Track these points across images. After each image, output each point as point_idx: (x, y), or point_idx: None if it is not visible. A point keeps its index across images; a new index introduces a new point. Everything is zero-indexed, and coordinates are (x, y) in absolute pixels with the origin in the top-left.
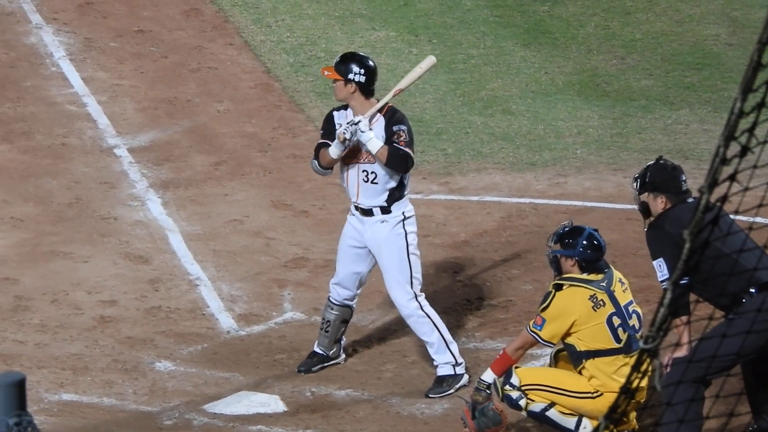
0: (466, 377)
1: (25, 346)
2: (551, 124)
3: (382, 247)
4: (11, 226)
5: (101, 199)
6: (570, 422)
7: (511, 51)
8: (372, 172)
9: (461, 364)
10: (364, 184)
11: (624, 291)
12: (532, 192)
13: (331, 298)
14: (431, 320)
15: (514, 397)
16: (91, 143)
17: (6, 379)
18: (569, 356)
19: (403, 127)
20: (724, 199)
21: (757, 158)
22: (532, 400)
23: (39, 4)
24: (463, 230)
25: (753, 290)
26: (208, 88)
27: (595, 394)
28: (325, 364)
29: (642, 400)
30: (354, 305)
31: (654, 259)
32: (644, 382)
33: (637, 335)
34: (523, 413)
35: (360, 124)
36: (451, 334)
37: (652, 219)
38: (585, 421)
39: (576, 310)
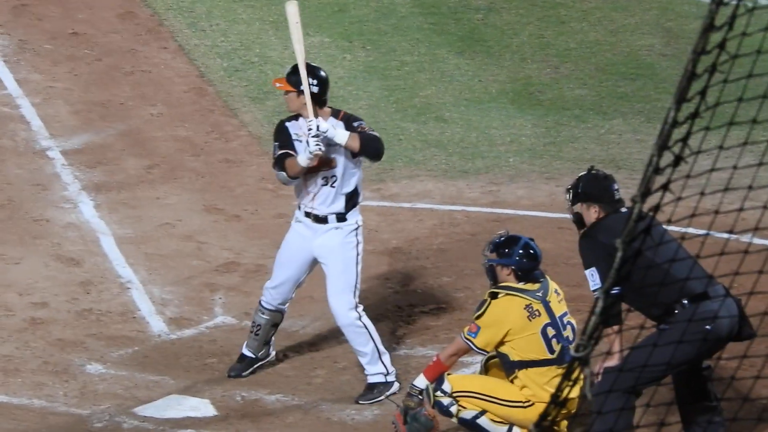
0: (396, 385)
1: None
2: (484, 132)
3: (331, 254)
4: None
5: (33, 201)
6: (501, 430)
7: (445, 58)
8: (332, 176)
9: (392, 373)
10: (323, 189)
11: (559, 302)
12: (465, 200)
13: (263, 302)
14: (368, 331)
15: (446, 404)
16: (24, 145)
17: None
18: (502, 365)
19: (363, 122)
20: (656, 208)
21: (690, 168)
22: (464, 407)
23: None
24: (395, 237)
25: (685, 301)
26: (142, 91)
27: (526, 404)
28: (255, 366)
29: (573, 410)
30: (286, 309)
31: (586, 268)
32: (575, 392)
33: (571, 346)
34: (454, 420)
35: (320, 127)
36: (383, 341)
37: (585, 229)
38: (516, 429)
39: (511, 318)
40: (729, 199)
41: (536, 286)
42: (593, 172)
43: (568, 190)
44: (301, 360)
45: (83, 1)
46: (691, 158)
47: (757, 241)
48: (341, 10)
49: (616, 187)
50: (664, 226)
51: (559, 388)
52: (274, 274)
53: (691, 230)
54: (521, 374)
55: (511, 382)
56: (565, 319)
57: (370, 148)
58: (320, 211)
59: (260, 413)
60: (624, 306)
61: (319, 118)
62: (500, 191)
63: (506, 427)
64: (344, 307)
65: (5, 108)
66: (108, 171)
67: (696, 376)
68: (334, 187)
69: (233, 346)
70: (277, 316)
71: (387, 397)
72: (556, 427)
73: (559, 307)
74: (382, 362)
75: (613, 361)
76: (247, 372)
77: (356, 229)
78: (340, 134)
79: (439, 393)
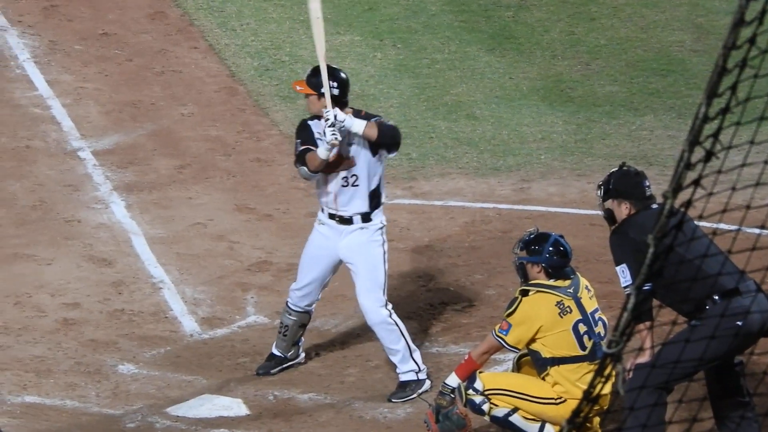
0: (428, 383)
1: None
2: (515, 130)
3: (358, 254)
4: None
5: (65, 202)
6: (533, 428)
7: (476, 56)
8: (353, 175)
9: (423, 370)
10: (344, 189)
11: (590, 298)
12: (496, 197)
13: (289, 304)
14: (399, 328)
15: (478, 402)
16: (55, 146)
17: None
18: (533, 362)
19: (382, 117)
20: (688, 204)
21: (722, 163)
22: (496, 405)
23: (3, 7)
24: (427, 235)
25: (716, 297)
26: (173, 91)
27: (558, 401)
28: (284, 366)
29: (605, 406)
30: (313, 310)
31: (617, 264)
32: (607, 388)
33: (602, 342)
34: (486, 418)
35: (338, 116)
36: (415, 339)
37: (616, 225)
38: (548, 427)
39: (542, 315)
40: (760, 194)
41: (567, 282)
42: (624, 168)
43: (599, 187)
44: (333, 358)
45: (113, 1)
46: (722, 154)
47: None
48: (372, 9)
49: (647, 183)
50: (696, 222)
51: (592, 385)
52: (299, 277)
53: (722, 226)
54: (553, 371)
55: (543, 379)
56: (596, 316)
57: (387, 137)
58: (345, 212)
59: (293, 412)
60: (655, 302)
61: (336, 108)
62: (531, 188)
63: (538, 425)
64: (375, 305)
65: (36, 109)
66: (139, 171)
67: (728, 371)
68: (356, 186)
69: (265, 345)
70: (305, 317)
71: (419, 395)
72: (588, 424)
73: (590, 304)
74: (414, 359)
75: (644, 358)
76: (276, 370)
77: (381, 228)
78: (357, 123)
79: (471, 391)
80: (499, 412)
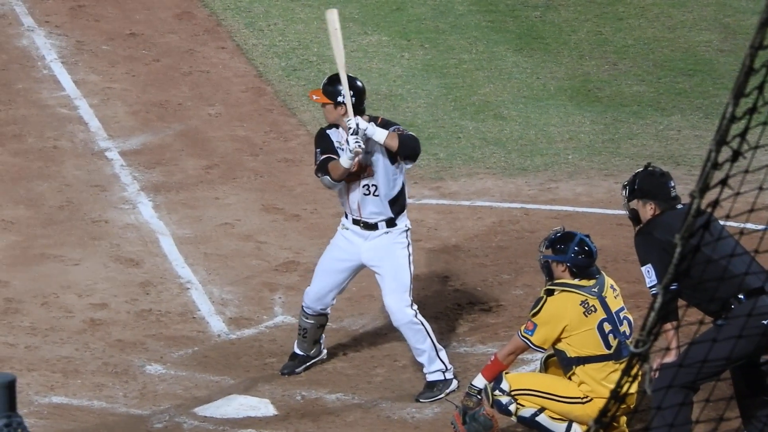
0: (455, 382)
1: (16, 348)
2: (543, 130)
3: (383, 257)
4: (2, 229)
5: (92, 202)
6: (560, 427)
7: (503, 56)
8: (373, 185)
9: (450, 369)
10: (366, 198)
11: (615, 297)
12: (524, 197)
13: (304, 307)
14: (425, 328)
15: (504, 402)
16: (83, 146)
17: None
18: (559, 362)
19: (400, 126)
20: (715, 203)
21: (749, 163)
22: (522, 406)
23: (31, 7)
24: (454, 235)
25: (742, 296)
26: (200, 91)
27: (585, 399)
28: (308, 364)
29: (632, 405)
30: (329, 312)
31: (642, 265)
32: (634, 387)
33: (628, 341)
34: (513, 419)
35: (360, 125)
36: (442, 339)
37: (641, 225)
38: (575, 426)
39: (567, 315)
40: None
41: (592, 282)
42: (650, 168)
43: (624, 187)
44: (361, 358)
45: (141, 1)
46: (749, 153)
47: None
48: (399, 9)
49: (672, 184)
50: (722, 222)
51: (619, 384)
52: (314, 280)
53: (749, 225)
54: (579, 370)
55: (569, 378)
56: (622, 315)
57: (408, 147)
58: (369, 219)
59: (320, 412)
60: (681, 302)
61: (358, 117)
62: (559, 188)
63: (565, 425)
64: (400, 305)
65: (63, 109)
66: (167, 171)
67: (754, 370)
68: (377, 195)
69: (293, 345)
70: (322, 318)
71: (446, 395)
72: (615, 423)
73: (615, 303)
74: (440, 359)
75: (671, 358)
76: (300, 369)
77: (406, 231)
78: (379, 132)
79: (497, 392)
80: (526, 412)
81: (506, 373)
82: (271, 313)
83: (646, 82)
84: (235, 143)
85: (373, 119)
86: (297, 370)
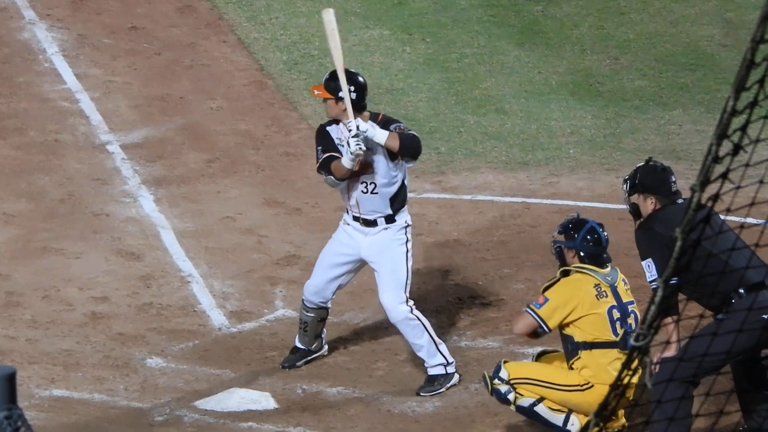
0: (456, 376)
1: (17, 341)
2: (544, 124)
3: (381, 253)
4: (3, 222)
5: (93, 196)
6: (558, 418)
7: (505, 50)
8: (371, 183)
9: (452, 363)
10: (364, 196)
11: (626, 291)
12: (525, 191)
13: (305, 300)
14: (421, 323)
15: (503, 391)
16: (84, 140)
17: None
18: (564, 349)
19: (401, 124)
20: (716, 197)
21: (749, 157)
22: (521, 395)
23: (32, 1)
24: (456, 229)
25: (742, 291)
26: (202, 85)
27: (584, 387)
28: (308, 358)
29: (630, 397)
30: (329, 305)
31: (643, 259)
32: (635, 379)
33: (632, 335)
34: (512, 408)
35: (360, 127)
36: (443, 333)
37: (641, 220)
38: (573, 417)
39: (580, 294)
40: None
41: (606, 270)
42: (651, 163)
43: (625, 181)
44: (362, 352)
45: None
46: (750, 147)
47: None
48: (401, 3)
49: (673, 179)
50: (723, 216)
51: (619, 378)
52: (314, 273)
53: (750, 220)
54: (584, 354)
55: (572, 364)
56: (630, 308)
57: (409, 148)
58: (368, 216)
59: (321, 406)
60: (681, 296)
61: (359, 119)
62: (560, 183)
63: (564, 415)
64: (395, 302)
65: (65, 103)
66: (168, 165)
67: (755, 365)
68: (375, 193)
69: (294, 339)
70: (322, 312)
71: (448, 389)
72: (614, 416)
73: (626, 295)
74: (441, 353)
75: (671, 352)
76: (301, 363)
77: (405, 227)
78: (380, 134)
79: (496, 381)
80: (525, 401)
81: (505, 362)
82: (272, 307)
83: (647, 76)
84: (236, 137)
85: (374, 116)
86: (298, 363)
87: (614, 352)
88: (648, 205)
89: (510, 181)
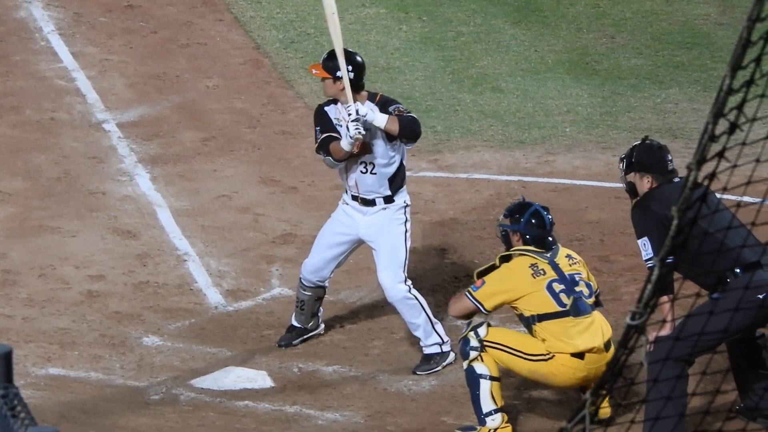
0: (452, 355)
1: (13, 320)
2: (540, 102)
3: (380, 232)
4: None
5: (90, 174)
6: (487, 405)
7: (501, 29)
8: (370, 164)
9: (447, 342)
10: (363, 176)
11: (571, 264)
12: (521, 170)
13: (302, 279)
14: (419, 302)
15: (469, 346)
16: (80, 118)
17: None
18: (521, 323)
19: (400, 105)
20: (712, 176)
21: (746, 136)
22: (481, 360)
23: None
24: (452, 207)
25: (738, 270)
26: (198, 63)
27: (547, 356)
28: (305, 337)
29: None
30: (326, 284)
31: (639, 238)
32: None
33: (588, 300)
34: (464, 365)
35: (360, 111)
36: (439, 312)
37: (638, 199)
38: (497, 415)
39: (513, 278)
40: None
41: (544, 249)
42: (647, 142)
43: (621, 160)
44: (358, 331)
45: None
46: (746, 126)
47: None
48: None
49: (669, 157)
50: (719, 195)
51: (615, 357)
52: (312, 251)
53: (746, 198)
54: (538, 327)
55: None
56: (577, 278)
57: (408, 131)
58: (368, 196)
59: (317, 384)
60: (677, 275)
61: (358, 103)
62: (556, 161)
63: (492, 407)
64: (393, 282)
65: (61, 81)
66: (164, 144)
67: (750, 344)
68: (374, 173)
69: (290, 317)
70: (319, 291)
71: (443, 367)
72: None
73: (568, 268)
74: (436, 332)
75: (666, 331)
76: (298, 341)
77: (404, 207)
78: (380, 118)
79: (472, 333)
80: (479, 368)
81: (489, 325)
82: (268, 286)
83: (643, 55)
84: (232, 115)
85: (372, 96)
86: (294, 342)
87: (569, 320)
88: (644, 183)
89: (506, 160)
